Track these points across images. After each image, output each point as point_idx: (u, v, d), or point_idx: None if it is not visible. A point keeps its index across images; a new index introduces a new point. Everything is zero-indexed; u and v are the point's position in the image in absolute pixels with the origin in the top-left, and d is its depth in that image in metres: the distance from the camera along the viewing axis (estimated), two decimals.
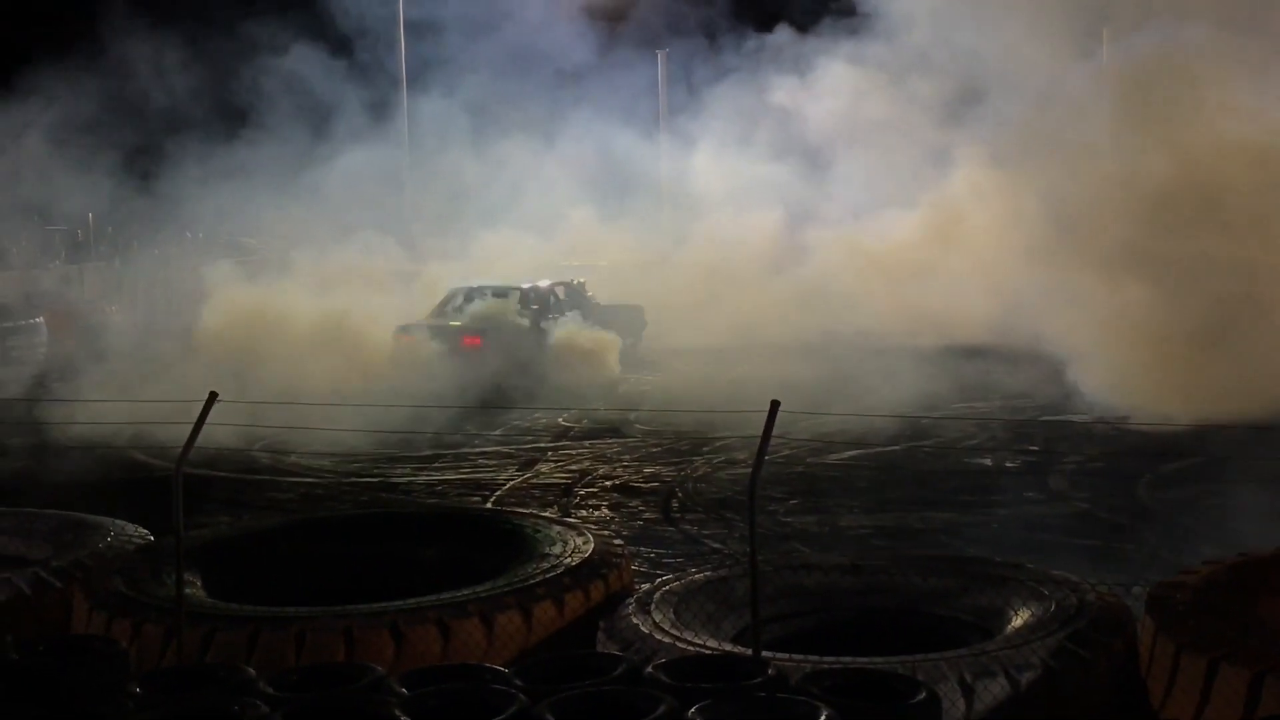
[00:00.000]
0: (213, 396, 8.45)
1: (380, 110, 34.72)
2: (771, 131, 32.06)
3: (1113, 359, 19.48)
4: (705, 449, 17.52)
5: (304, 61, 32.20)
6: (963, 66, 27.94)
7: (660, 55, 39.11)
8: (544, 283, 25.58)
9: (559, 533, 9.72)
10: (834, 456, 17.05)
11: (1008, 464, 16.31)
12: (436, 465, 17.08)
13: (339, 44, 33.03)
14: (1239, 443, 16.70)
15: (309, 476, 16.74)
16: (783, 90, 32.09)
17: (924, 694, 6.45)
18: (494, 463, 17.17)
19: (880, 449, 17.34)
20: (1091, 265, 20.55)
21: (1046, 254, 21.79)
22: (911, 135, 30.52)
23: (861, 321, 26.38)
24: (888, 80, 30.41)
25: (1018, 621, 7.65)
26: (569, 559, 9.06)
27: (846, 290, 27.89)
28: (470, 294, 25.03)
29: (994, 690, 6.90)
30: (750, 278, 28.93)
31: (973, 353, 23.85)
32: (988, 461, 16.50)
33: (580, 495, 15.26)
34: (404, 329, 23.65)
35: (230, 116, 30.30)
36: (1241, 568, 7.95)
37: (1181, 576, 7.84)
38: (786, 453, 16.75)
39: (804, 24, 32.01)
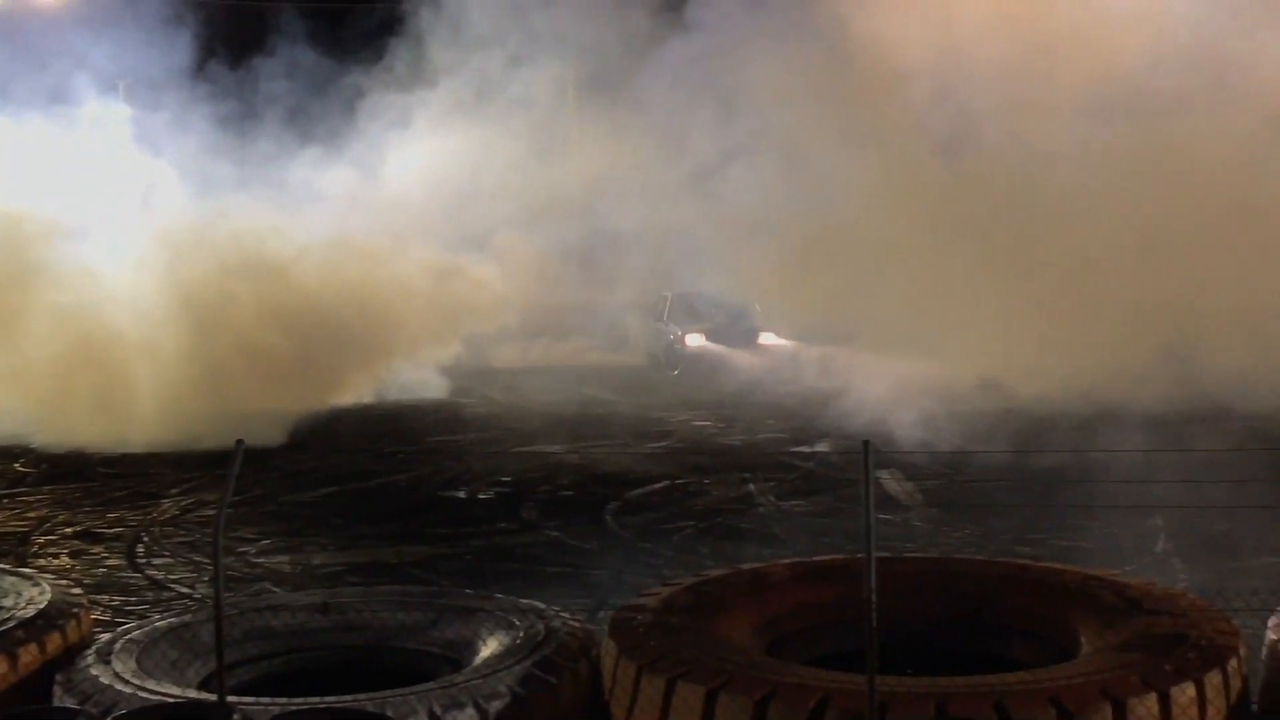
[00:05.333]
0: None
1: None
2: None
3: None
4: (174, 490, 16.99)
5: None
6: None
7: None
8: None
9: (11, 584, 9.19)
10: (310, 493, 16.88)
11: (481, 495, 16.52)
12: None
13: None
14: (700, 469, 17.56)
15: None
16: None
17: None
18: None
19: (358, 485, 17.29)
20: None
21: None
22: None
23: None
24: None
25: (486, 652, 7.73)
26: (22, 611, 8.58)
27: None
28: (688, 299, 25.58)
29: None
30: None
31: None
32: (462, 494, 16.66)
33: (39, 544, 14.51)
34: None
35: None
36: (698, 588, 8.28)
37: (641, 599, 8.11)
38: (260, 491, 16.47)
39: None
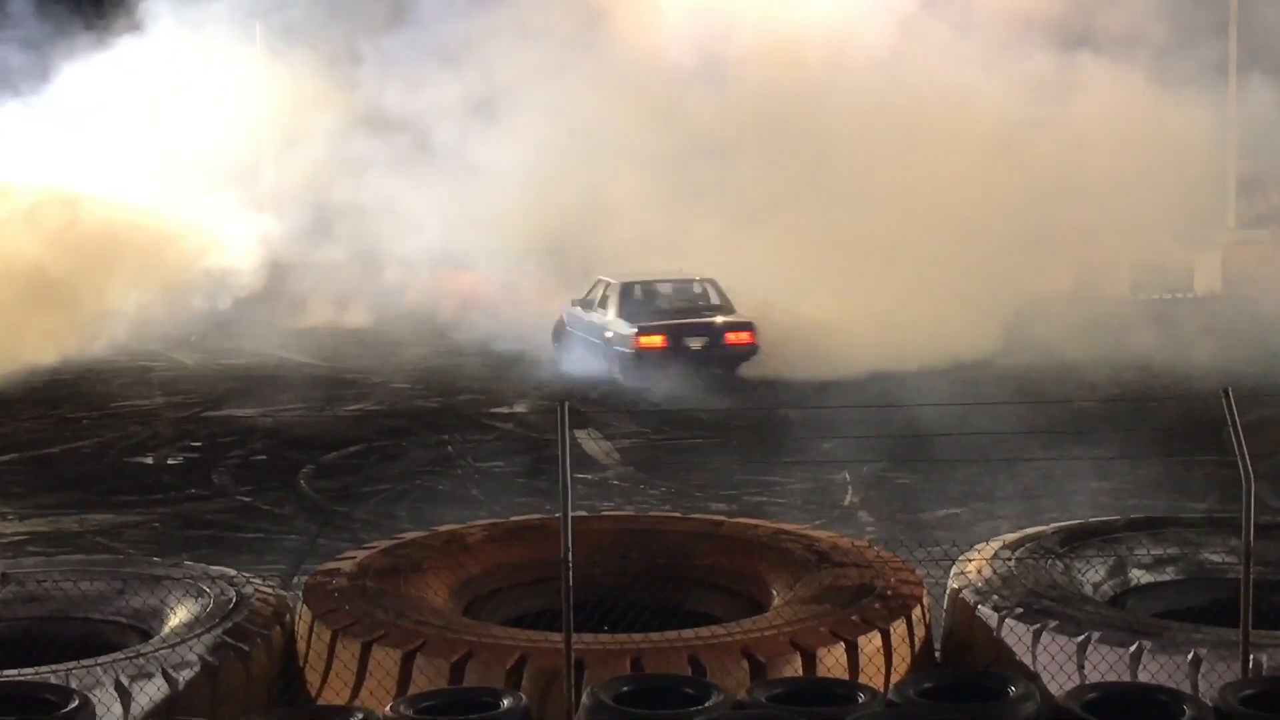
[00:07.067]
0: None
1: None
2: None
3: None
4: None
5: None
6: None
7: None
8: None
9: None
10: None
11: (170, 460, 16.07)
12: None
13: None
14: (397, 431, 17.41)
15: None
16: None
17: (76, 702, 6.24)
18: None
19: (39, 451, 16.67)
20: None
21: None
22: None
23: None
24: None
25: (175, 620, 7.52)
26: None
27: None
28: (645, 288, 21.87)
29: (150, 692, 6.75)
30: None
31: None
32: (149, 459, 16.18)
33: None
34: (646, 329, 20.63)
35: None
36: (393, 551, 8.21)
37: (336, 564, 8.00)
38: None
39: None
